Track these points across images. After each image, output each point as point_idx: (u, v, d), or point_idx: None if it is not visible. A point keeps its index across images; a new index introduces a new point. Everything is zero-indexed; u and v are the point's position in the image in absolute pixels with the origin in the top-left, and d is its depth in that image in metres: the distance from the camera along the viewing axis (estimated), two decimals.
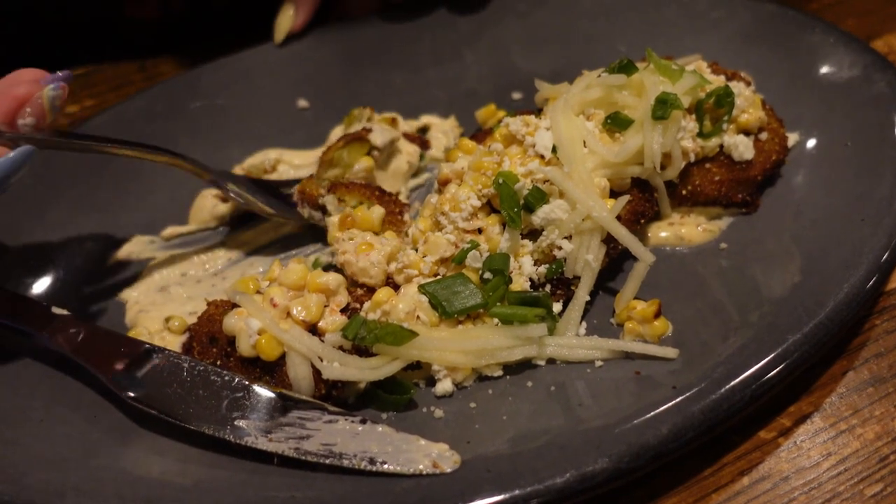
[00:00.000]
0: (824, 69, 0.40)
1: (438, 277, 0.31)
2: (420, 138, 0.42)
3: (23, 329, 0.32)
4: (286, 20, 0.42)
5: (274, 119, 0.43)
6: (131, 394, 0.30)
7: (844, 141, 0.36)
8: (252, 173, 0.40)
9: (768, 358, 0.28)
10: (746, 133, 0.36)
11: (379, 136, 0.36)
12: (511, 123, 0.34)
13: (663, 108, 0.32)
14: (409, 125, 0.41)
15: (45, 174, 0.40)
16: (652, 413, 0.27)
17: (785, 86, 0.40)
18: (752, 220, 0.35)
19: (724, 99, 0.34)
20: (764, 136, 0.37)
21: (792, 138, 0.38)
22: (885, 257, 0.30)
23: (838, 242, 0.32)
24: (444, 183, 0.34)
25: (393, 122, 0.40)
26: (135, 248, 0.37)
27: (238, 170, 0.40)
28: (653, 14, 0.44)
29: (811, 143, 0.38)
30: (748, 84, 0.39)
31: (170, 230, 0.38)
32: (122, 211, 0.39)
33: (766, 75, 0.40)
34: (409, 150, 0.38)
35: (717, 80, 0.36)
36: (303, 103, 0.44)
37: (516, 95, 0.42)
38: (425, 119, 0.43)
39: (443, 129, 0.42)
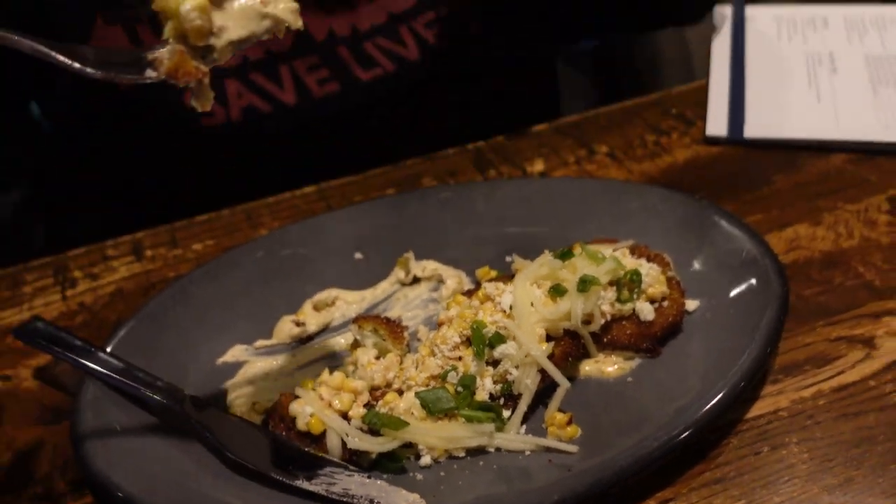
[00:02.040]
0: (725, 254, 0.55)
1: (429, 388, 0.47)
2: (439, 278, 0.59)
3: (161, 401, 0.48)
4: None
5: (337, 266, 0.61)
6: (230, 452, 0.46)
7: (729, 309, 0.51)
8: (318, 307, 0.57)
9: (635, 457, 0.42)
10: (652, 301, 0.52)
11: None
12: (487, 287, 0.50)
13: (585, 284, 0.48)
14: (421, 267, 0.58)
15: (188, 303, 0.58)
16: (549, 484, 0.42)
17: (697, 264, 0.55)
18: (654, 362, 0.50)
19: (634, 278, 0.50)
20: (665, 303, 0.52)
21: (692, 304, 0.53)
22: (729, 391, 0.44)
23: (711, 381, 0.46)
24: (440, 324, 0.50)
25: (405, 264, 0.57)
26: (235, 353, 0.54)
27: (308, 303, 0.57)
28: (618, 205, 0.60)
29: (706, 309, 0.53)
30: (667, 263, 0.54)
31: (259, 342, 0.55)
32: (227, 329, 0.56)
33: (686, 255, 0.56)
34: None
35: (635, 263, 0.52)
36: (358, 255, 0.61)
37: (508, 259, 0.58)
38: (441, 269, 0.59)
39: (456, 279, 0.59)
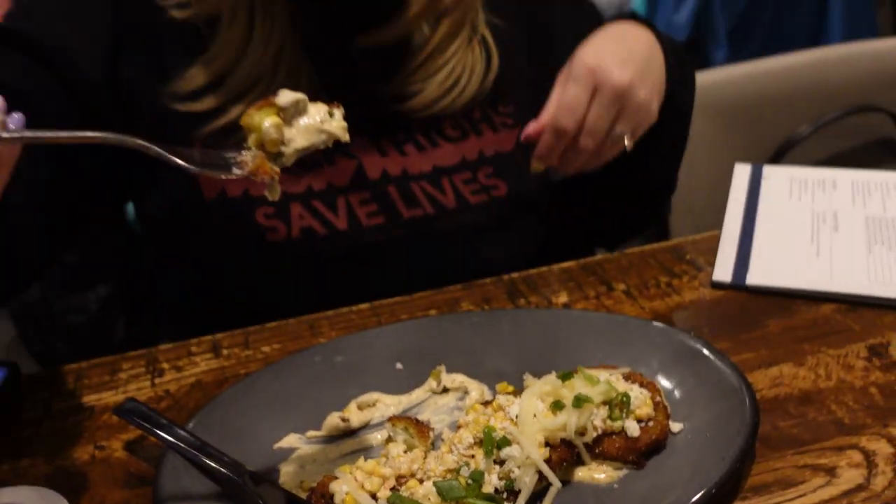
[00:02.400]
0: (710, 385, 0.64)
1: (445, 479, 0.56)
2: (465, 389, 0.69)
3: (227, 474, 0.58)
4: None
5: (381, 374, 0.71)
6: None
7: (706, 433, 0.60)
8: (361, 406, 0.68)
9: None
10: (639, 420, 0.60)
11: (283, 98, 0.50)
12: (500, 398, 0.60)
13: (580, 402, 0.58)
14: (451, 379, 0.68)
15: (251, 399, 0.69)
16: None
17: (685, 391, 0.64)
18: (639, 473, 0.58)
19: (624, 399, 0.60)
20: (651, 423, 0.60)
21: (676, 426, 0.61)
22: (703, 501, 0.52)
23: (688, 492, 0.55)
24: (459, 427, 0.60)
25: (437, 376, 0.67)
26: (290, 440, 0.65)
27: (353, 403, 0.68)
28: (623, 337, 0.69)
29: (688, 431, 0.61)
30: (657, 389, 0.63)
31: (310, 433, 0.65)
32: (285, 420, 0.67)
33: (676, 383, 0.65)
34: (317, 109, 0.52)
35: (627, 387, 0.61)
36: (399, 366, 0.72)
37: (524, 377, 0.68)
38: (467, 382, 0.69)
39: (479, 391, 0.69)
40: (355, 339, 0.74)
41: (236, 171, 0.53)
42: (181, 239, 0.93)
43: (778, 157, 1.17)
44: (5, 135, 0.49)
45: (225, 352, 0.79)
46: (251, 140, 0.53)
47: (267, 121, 0.52)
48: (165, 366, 0.77)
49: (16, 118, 0.51)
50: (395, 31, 0.84)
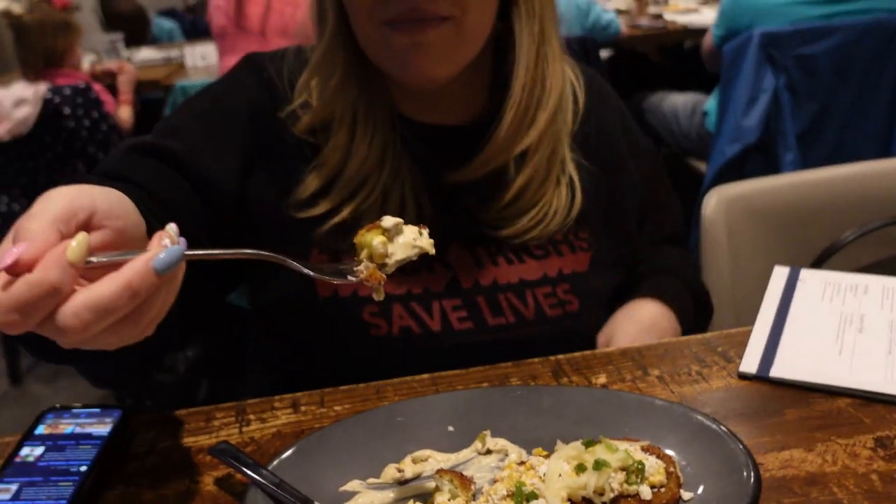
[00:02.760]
0: (720, 462, 0.72)
1: None
2: (506, 452, 0.79)
3: None
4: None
5: (434, 434, 0.82)
6: None
7: (713, 502, 0.68)
8: (415, 460, 0.78)
9: None
10: (652, 487, 0.69)
11: (386, 222, 0.65)
12: (532, 460, 0.70)
13: (599, 466, 0.67)
14: (494, 442, 0.78)
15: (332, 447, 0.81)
16: None
17: (698, 465, 0.73)
18: None
19: (639, 467, 0.69)
20: (663, 490, 0.69)
21: (687, 495, 0.69)
22: None
23: None
24: (495, 481, 0.70)
25: (483, 439, 0.77)
26: (352, 485, 0.75)
27: (409, 457, 0.79)
28: (649, 415, 0.78)
29: (697, 500, 0.69)
30: (672, 462, 0.72)
31: (370, 480, 0.75)
32: (349, 468, 0.78)
33: (690, 457, 0.73)
34: (410, 230, 0.66)
35: (643, 456, 0.70)
36: (451, 428, 0.83)
37: (557, 443, 0.77)
38: (508, 446, 0.79)
39: (517, 454, 0.79)
40: (415, 403, 0.85)
41: (351, 278, 0.67)
42: (289, 326, 1.05)
43: (821, 261, 1.25)
44: (189, 253, 0.55)
45: (303, 408, 0.91)
46: (363, 254, 0.68)
47: (376, 240, 0.67)
48: (252, 417, 0.90)
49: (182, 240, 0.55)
50: (477, 171, 0.96)
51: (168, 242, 0.53)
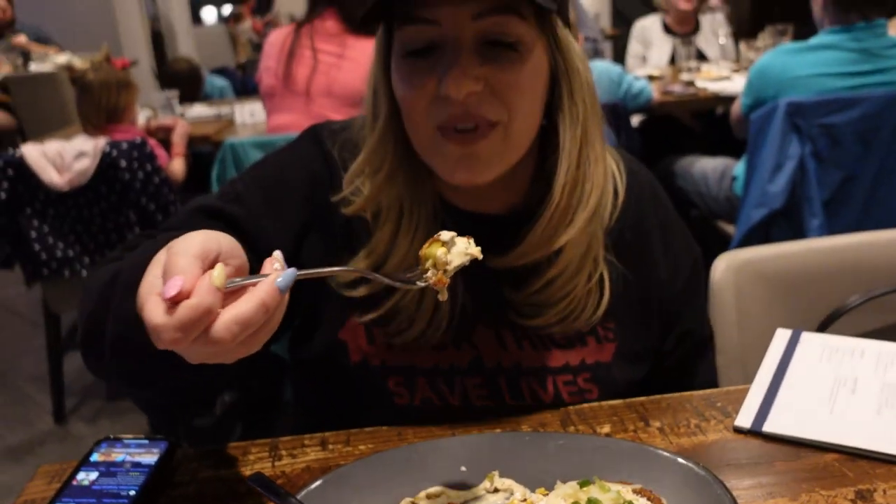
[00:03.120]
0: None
1: None
2: (512, 491, 0.86)
3: None
4: None
5: (447, 473, 0.90)
6: None
7: None
8: (429, 496, 0.86)
9: None
10: None
11: (445, 235, 0.76)
12: (532, 497, 0.78)
13: (592, 502, 0.74)
14: (502, 482, 0.86)
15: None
16: None
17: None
18: None
19: None
20: None
21: None
22: None
23: None
24: None
25: (491, 478, 0.85)
26: None
27: (423, 493, 0.86)
28: (645, 462, 0.85)
29: None
30: (660, 503, 0.79)
31: (406, 501, 0.85)
32: (370, 500, 0.86)
33: (679, 501, 0.80)
34: (461, 241, 0.77)
35: (634, 497, 0.77)
36: (463, 468, 0.90)
37: (557, 483, 0.85)
38: (514, 486, 0.86)
39: (522, 492, 0.86)
40: (432, 444, 0.93)
41: (421, 283, 0.79)
42: (321, 381, 1.11)
43: (826, 325, 1.31)
44: (300, 273, 0.66)
45: (330, 446, 0.99)
46: (428, 264, 0.80)
47: (439, 251, 0.79)
48: (283, 452, 0.99)
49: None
50: (514, 261, 1.00)
51: (278, 266, 0.65)
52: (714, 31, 4.66)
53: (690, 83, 3.75)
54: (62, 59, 7.14)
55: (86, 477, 0.93)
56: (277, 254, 0.67)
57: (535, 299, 1.01)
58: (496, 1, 0.88)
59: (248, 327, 0.60)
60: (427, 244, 0.78)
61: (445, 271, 0.78)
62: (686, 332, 1.14)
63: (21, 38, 7.21)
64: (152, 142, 2.91)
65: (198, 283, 0.59)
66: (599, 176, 0.98)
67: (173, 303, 0.58)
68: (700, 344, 1.17)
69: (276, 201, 1.04)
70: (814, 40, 2.70)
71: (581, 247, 0.99)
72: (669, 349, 1.14)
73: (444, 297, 0.77)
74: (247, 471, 0.96)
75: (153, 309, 0.59)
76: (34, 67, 6.89)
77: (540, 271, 1.00)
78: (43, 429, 3.07)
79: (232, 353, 0.63)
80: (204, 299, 0.58)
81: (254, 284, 0.63)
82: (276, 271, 0.64)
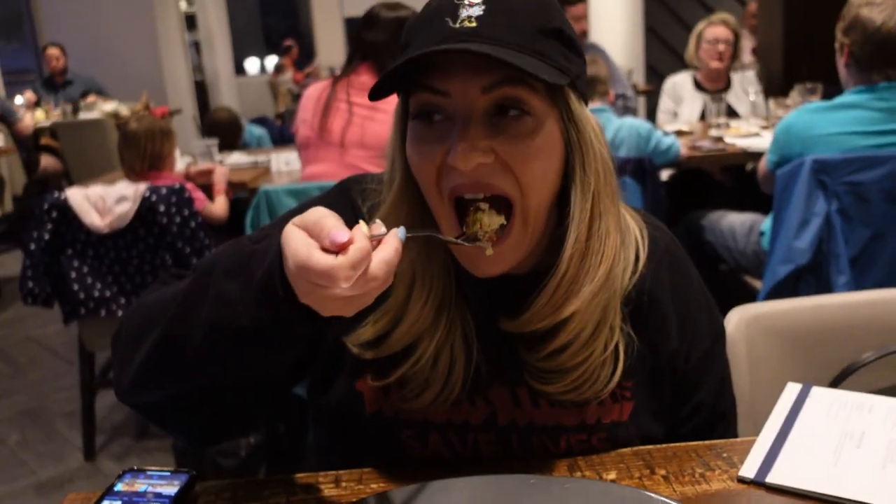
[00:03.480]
0: None
1: None
2: None
3: None
4: None
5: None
6: None
7: None
8: None
9: None
10: None
11: (483, 205, 0.90)
12: None
13: None
14: None
15: None
16: None
17: None
18: None
19: None
20: None
21: None
22: None
23: None
24: None
25: None
26: None
27: None
28: None
29: None
30: None
31: None
32: None
33: None
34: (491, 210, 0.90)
35: None
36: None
37: None
38: None
39: None
40: (440, 484, 0.96)
41: (478, 242, 0.92)
42: (338, 427, 1.13)
43: (839, 381, 1.32)
44: (409, 233, 0.79)
45: (343, 484, 1.03)
46: (474, 227, 0.91)
47: (484, 217, 0.91)
48: (298, 489, 1.03)
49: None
50: (523, 327, 0.99)
51: (383, 228, 0.77)
52: (745, 88, 4.70)
53: (719, 139, 3.79)
54: (109, 107, 7.42)
55: None
56: (376, 221, 0.78)
57: (548, 364, 1.01)
58: (506, 74, 0.89)
59: (391, 267, 0.73)
60: (470, 213, 0.91)
61: (489, 232, 0.91)
62: (700, 404, 1.13)
63: (91, 98, 7.51)
64: (190, 186, 3.01)
65: (355, 232, 0.72)
66: (610, 248, 0.98)
67: (340, 249, 0.70)
68: (715, 418, 1.15)
69: None
70: (839, 99, 2.73)
71: (593, 316, 0.99)
72: (684, 418, 1.14)
73: (489, 251, 0.91)
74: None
75: (323, 257, 0.70)
76: (83, 115, 7.16)
77: (551, 338, 0.99)
78: (72, 465, 3.13)
79: (370, 295, 0.74)
80: (365, 243, 0.71)
81: (381, 239, 0.75)
82: (390, 230, 0.77)
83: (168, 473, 1.03)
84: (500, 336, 1.03)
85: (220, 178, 3.39)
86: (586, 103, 0.98)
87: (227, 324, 0.78)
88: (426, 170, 0.94)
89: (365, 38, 2.85)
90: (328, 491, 1.02)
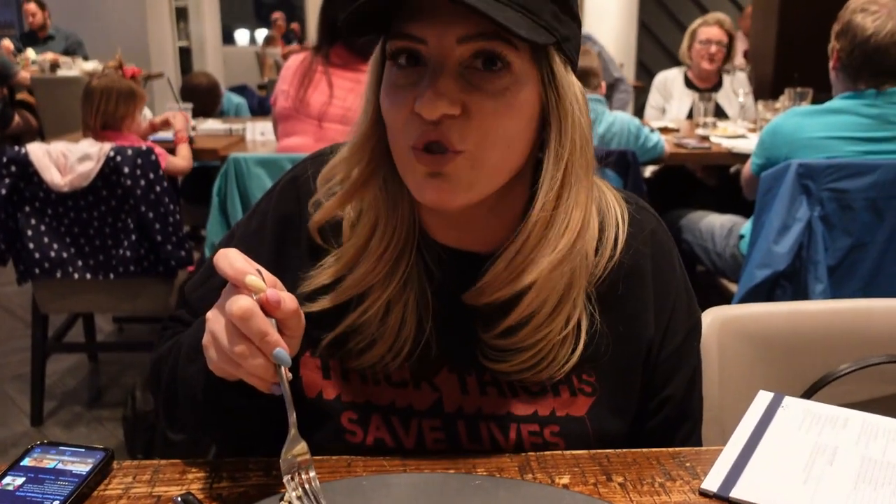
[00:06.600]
0: None
1: None
2: None
3: None
4: None
5: None
6: None
7: None
8: None
9: None
10: None
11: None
12: None
13: None
14: None
15: None
16: None
17: None
18: None
19: None
20: None
21: None
22: None
23: None
24: None
25: None
26: None
27: None
28: None
29: None
30: None
31: None
32: None
33: None
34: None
35: None
36: None
37: None
38: None
39: None
40: (379, 478, 0.88)
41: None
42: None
43: (812, 392, 1.25)
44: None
45: (275, 472, 0.95)
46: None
47: None
48: (224, 474, 0.94)
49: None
50: (475, 299, 0.95)
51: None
52: (735, 89, 4.65)
53: (705, 138, 3.73)
54: (90, 65, 7.25)
55: (11, 482, 0.88)
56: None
57: (503, 342, 0.96)
58: (486, 26, 0.84)
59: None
60: None
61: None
62: (668, 398, 1.07)
63: (49, 55, 7.38)
64: (159, 150, 2.90)
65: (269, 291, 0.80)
66: (576, 220, 0.92)
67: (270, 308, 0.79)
68: (682, 416, 1.09)
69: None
70: (828, 104, 2.67)
71: (554, 290, 0.94)
72: (651, 412, 1.07)
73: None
74: (183, 489, 0.91)
75: (241, 298, 0.78)
76: (62, 72, 6.99)
77: (508, 310, 0.94)
78: (17, 430, 3.02)
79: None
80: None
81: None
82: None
83: (82, 450, 0.94)
84: (457, 311, 0.98)
85: (181, 125, 3.27)
86: (574, 69, 0.92)
87: (196, 400, 0.93)
88: (395, 115, 0.90)
89: (328, 16, 2.73)
90: (257, 479, 0.94)
